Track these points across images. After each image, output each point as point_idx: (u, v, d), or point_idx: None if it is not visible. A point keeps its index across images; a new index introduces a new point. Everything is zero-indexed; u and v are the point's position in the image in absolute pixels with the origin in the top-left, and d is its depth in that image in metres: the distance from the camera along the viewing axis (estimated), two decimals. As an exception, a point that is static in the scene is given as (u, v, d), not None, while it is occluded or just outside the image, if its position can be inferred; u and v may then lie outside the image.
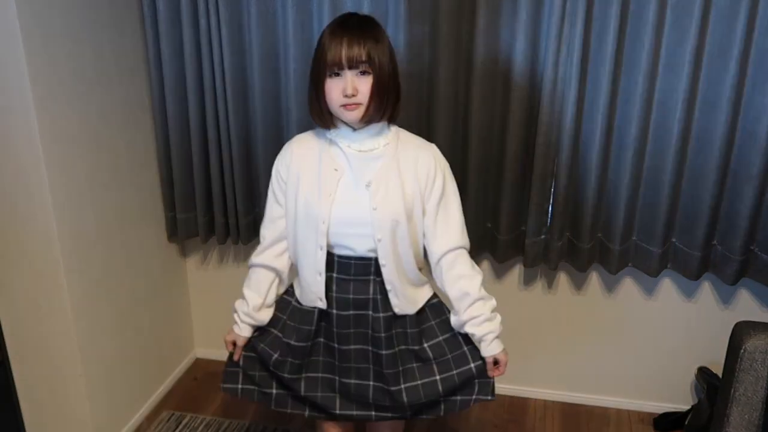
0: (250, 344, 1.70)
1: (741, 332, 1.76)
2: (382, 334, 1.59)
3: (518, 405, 2.53)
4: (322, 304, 1.59)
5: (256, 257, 1.67)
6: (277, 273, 1.67)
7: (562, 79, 2.00)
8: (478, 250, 2.31)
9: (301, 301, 1.66)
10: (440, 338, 1.65)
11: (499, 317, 1.61)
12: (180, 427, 2.40)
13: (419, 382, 1.62)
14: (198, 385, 2.67)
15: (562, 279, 2.38)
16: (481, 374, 1.64)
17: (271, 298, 1.68)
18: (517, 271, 2.40)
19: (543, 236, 2.23)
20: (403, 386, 1.61)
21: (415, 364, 1.63)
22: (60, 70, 1.88)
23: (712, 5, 1.88)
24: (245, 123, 2.28)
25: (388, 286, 1.57)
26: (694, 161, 2.05)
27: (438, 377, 1.63)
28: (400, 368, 1.62)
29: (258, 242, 1.70)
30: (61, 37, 1.87)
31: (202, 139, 2.33)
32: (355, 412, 1.67)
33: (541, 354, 2.50)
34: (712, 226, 2.10)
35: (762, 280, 2.11)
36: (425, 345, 1.65)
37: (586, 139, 2.08)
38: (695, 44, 1.90)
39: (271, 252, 1.65)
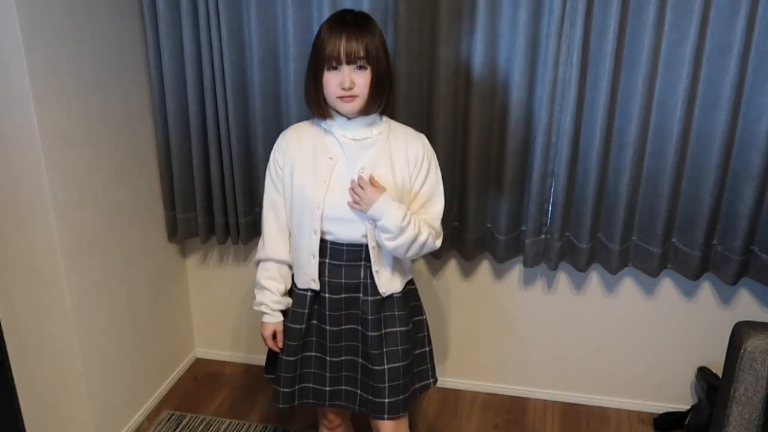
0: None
1: (741, 332, 1.76)
2: (370, 317, 1.65)
3: (518, 405, 2.53)
4: (315, 285, 1.66)
5: (266, 251, 1.70)
6: (288, 265, 1.72)
7: (562, 78, 2.00)
8: (478, 250, 2.31)
9: (297, 282, 1.71)
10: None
11: (403, 233, 1.55)
12: (180, 427, 2.40)
13: (401, 363, 1.68)
14: (198, 385, 2.67)
15: (562, 279, 2.38)
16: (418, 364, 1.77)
17: (290, 282, 1.74)
18: (517, 271, 2.40)
19: (543, 236, 2.23)
20: (386, 366, 1.66)
21: (399, 347, 1.68)
22: (60, 70, 1.88)
23: (712, 5, 1.88)
24: (245, 123, 2.28)
25: (374, 267, 1.63)
26: (694, 161, 2.05)
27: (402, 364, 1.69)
28: (384, 350, 1.66)
29: (258, 241, 1.72)
30: (61, 37, 1.87)
31: (202, 139, 2.33)
32: (342, 402, 1.74)
33: (541, 354, 2.50)
34: (712, 226, 2.10)
35: (762, 280, 2.11)
36: (410, 326, 1.72)
37: (586, 139, 2.08)
38: (695, 44, 1.90)
39: (278, 245, 1.69)
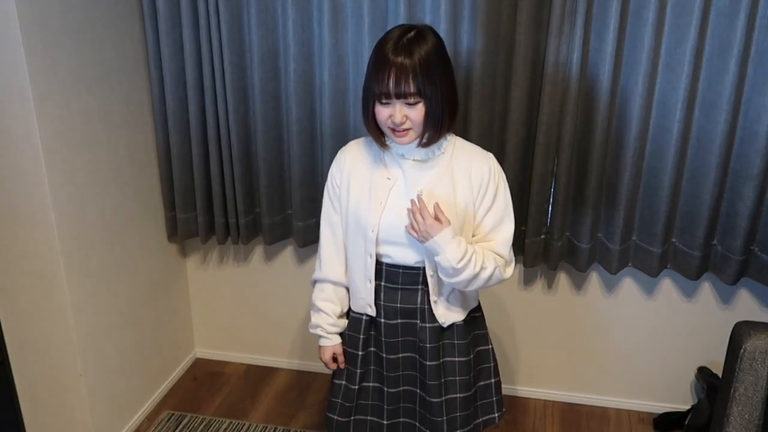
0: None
1: (741, 332, 1.76)
2: (428, 345, 1.57)
3: (518, 405, 2.53)
4: (372, 311, 1.59)
5: (322, 272, 1.63)
6: (345, 287, 1.65)
7: (562, 78, 2.00)
8: (478, 250, 2.31)
9: (352, 306, 1.65)
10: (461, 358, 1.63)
11: (464, 269, 1.45)
12: (180, 427, 2.40)
13: (459, 395, 1.61)
14: (198, 385, 2.67)
15: (562, 279, 2.38)
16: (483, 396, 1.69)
17: (347, 305, 1.67)
18: (517, 271, 2.40)
19: (543, 236, 2.23)
20: (444, 398, 1.60)
21: (458, 378, 1.61)
22: (60, 70, 1.88)
23: (712, 5, 1.88)
24: (245, 123, 2.28)
25: (432, 297, 1.55)
26: (694, 161, 2.05)
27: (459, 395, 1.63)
28: (443, 380, 1.60)
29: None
30: (61, 37, 1.87)
31: (202, 139, 2.33)
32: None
33: (541, 354, 2.50)
34: (712, 226, 2.10)
35: (762, 280, 2.11)
36: (471, 356, 1.64)
37: (586, 139, 2.08)
38: (695, 44, 1.90)
39: (335, 266, 1.62)
